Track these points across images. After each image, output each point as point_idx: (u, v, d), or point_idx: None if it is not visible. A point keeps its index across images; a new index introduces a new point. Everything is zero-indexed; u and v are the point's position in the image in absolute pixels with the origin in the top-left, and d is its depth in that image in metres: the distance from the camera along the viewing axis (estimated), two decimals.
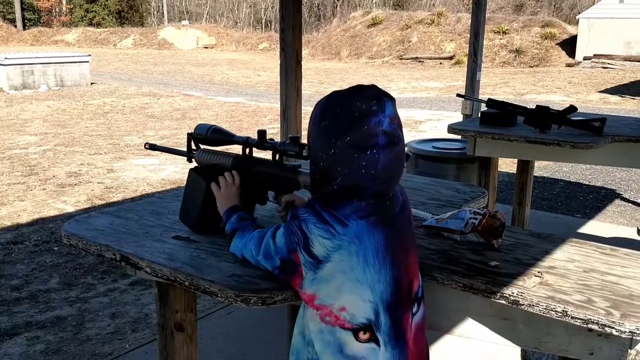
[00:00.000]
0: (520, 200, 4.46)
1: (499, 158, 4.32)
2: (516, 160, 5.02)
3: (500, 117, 3.73)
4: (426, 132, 9.19)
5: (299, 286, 1.40)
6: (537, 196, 6.06)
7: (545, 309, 1.41)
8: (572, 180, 6.84)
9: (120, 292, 3.92)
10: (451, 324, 1.64)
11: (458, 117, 9.95)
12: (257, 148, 1.75)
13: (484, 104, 3.80)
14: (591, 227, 5.15)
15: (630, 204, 5.94)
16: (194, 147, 1.92)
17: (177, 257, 1.64)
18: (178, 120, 10.57)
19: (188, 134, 1.90)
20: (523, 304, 1.44)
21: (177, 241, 1.76)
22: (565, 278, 1.53)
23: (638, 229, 3.67)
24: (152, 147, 2.04)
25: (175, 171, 6.97)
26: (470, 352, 3.03)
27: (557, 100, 12.29)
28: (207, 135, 1.83)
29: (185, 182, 1.88)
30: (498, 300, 1.48)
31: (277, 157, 1.72)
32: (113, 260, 1.71)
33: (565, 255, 1.67)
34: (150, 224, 1.90)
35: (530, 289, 1.47)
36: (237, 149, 1.78)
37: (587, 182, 6.77)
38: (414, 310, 1.48)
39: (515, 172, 4.55)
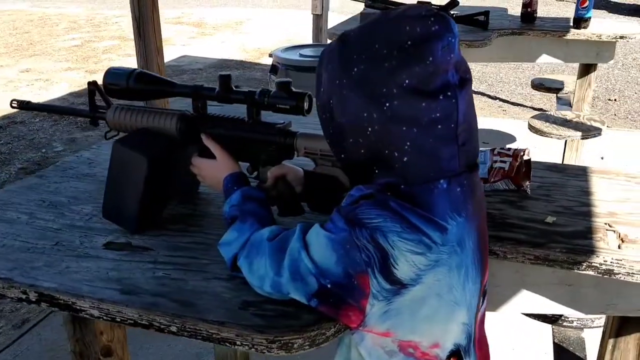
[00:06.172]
0: None
1: None
2: None
3: None
4: (250, 33, 8.55)
5: (356, 324, 0.92)
6: None
7: None
8: None
9: None
10: (502, 301, 1.31)
11: (288, 15, 9.44)
12: (220, 102, 1.19)
13: (363, 4, 3.38)
14: None
15: (485, 97, 6.04)
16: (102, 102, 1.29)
17: (138, 285, 1.06)
18: None
19: (89, 82, 1.27)
20: (619, 273, 1.14)
21: (118, 253, 1.16)
22: (637, 227, 1.25)
23: (530, 122, 3.50)
24: (25, 106, 1.36)
25: None
26: None
27: None
28: (128, 84, 1.21)
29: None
30: (584, 271, 1.17)
31: (254, 115, 1.18)
32: (25, 301, 1.08)
33: (610, 195, 1.39)
34: (54, 227, 1.26)
35: (620, 252, 1.17)
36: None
37: None
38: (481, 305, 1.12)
39: None
